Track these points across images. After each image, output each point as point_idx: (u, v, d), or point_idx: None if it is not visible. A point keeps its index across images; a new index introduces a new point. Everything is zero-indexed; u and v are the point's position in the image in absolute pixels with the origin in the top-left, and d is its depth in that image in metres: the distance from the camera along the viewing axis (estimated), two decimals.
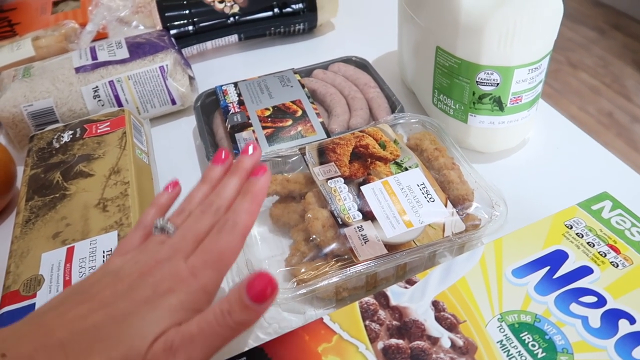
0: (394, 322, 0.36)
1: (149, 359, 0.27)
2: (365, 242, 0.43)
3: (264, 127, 0.57)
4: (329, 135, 0.55)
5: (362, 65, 0.67)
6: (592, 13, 2.50)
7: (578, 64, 2.21)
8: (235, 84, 0.63)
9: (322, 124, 0.57)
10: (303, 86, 0.62)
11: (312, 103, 0.59)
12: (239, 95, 0.61)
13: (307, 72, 0.67)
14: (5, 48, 0.72)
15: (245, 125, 0.57)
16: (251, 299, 0.28)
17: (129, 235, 0.34)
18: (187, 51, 0.75)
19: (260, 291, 0.28)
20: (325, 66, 0.68)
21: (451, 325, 0.35)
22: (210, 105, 0.63)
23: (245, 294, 0.28)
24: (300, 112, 0.58)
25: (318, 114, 0.58)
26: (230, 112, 0.59)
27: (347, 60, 0.68)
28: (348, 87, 0.63)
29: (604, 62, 2.21)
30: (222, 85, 0.63)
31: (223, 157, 0.37)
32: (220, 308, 0.29)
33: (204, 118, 0.61)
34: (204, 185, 0.36)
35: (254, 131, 0.56)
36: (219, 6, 0.74)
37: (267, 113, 0.58)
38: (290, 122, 0.57)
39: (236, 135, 0.56)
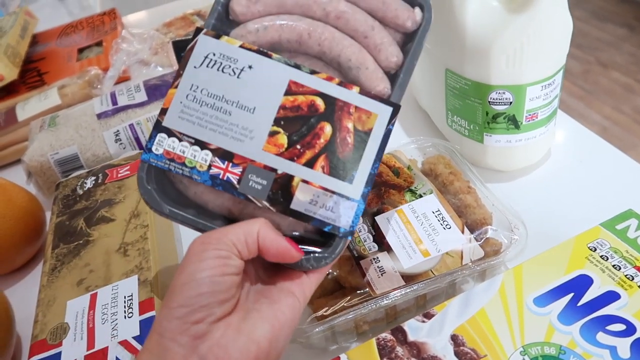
0: None
1: None
2: (382, 274, 0.42)
3: (305, 164, 0.33)
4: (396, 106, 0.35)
5: None
6: (619, 10, 2.43)
7: (608, 63, 2.15)
8: None
9: (370, 93, 0.35)
10: (264, 54, 0.34)
11: (313, 73, 0.34)
12: None
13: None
14: (34, 98, 0.75)
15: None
16: None
17: None
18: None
19: None
20: None
21: None
22: None
23: None
24: (320, 102, 0.34)
25: (343, 84, 0.34)
26: None
27: None
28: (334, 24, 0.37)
29: (636, 58, 2.14)
30: None
31: None
32: None
33: None
34: None
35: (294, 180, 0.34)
36: None
37: (281, 139, 0.34)
38: (328, 129, 0.34)
39: None
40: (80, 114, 0.64)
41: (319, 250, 0.34)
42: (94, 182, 0.55)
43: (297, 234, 0.35)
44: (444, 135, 0.60)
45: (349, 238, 0.34)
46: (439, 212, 0.46)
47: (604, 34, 2.31)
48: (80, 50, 0.94)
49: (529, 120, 0.51)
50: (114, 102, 0.65)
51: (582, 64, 2.16)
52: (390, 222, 0.46)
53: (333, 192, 0.34)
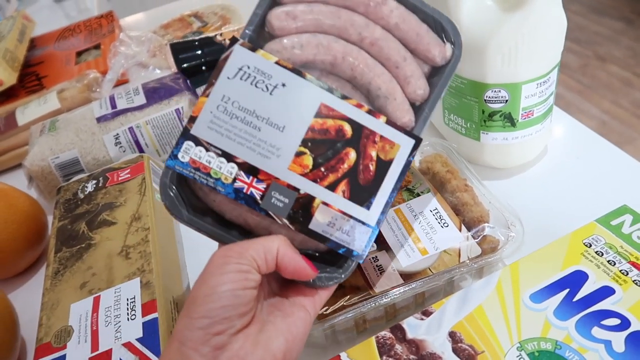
0: (411, 357, 0.35)
1: None
2: (380, 273, 0.43)
3: (327, 187, 0.34)
4: (418, 139, 0.36)
5: None
6: (616, 4, 2.43)
7: (606, 57, 2.15)
8: None
9: (396, 124, 0.35)
10: (299, 73, 0.34)
11: (344, 98, 0.34)
12: None
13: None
14: (34, 102, 0.76)
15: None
16: None
17: None
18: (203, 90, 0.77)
19: None
20: None
21: (469, 357, 0.35)
22: None
23: None
24: (348, 128, 0.34)
25: (372, 112, 0.35)
26: None
27: None
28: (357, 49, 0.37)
29: (634, 52, 2.14)
30: None
31: None
32: None
33: None
34: None
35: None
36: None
37: (307, 160, 0.34)
38: (352, 155, 0.35)
39: None
40: (80, 117, 0.65)
41: (329, 269, 0.35)
42: (94, 185, 0.56)
43: (310, 251, 0.36)
44: (441, 134, 0.61)
45: (361, 261, 0.35)
46: (436, 211, 0.46)
47: (601, 28, 2.31)
48: (79, 54, 0.95)
49: (525, 118, 0.51)
50: (113, 106, 0.66)
51: (580, 58, 2.16)
52: (389, 221, 0.46)
53: (351, 217, 0.34)
